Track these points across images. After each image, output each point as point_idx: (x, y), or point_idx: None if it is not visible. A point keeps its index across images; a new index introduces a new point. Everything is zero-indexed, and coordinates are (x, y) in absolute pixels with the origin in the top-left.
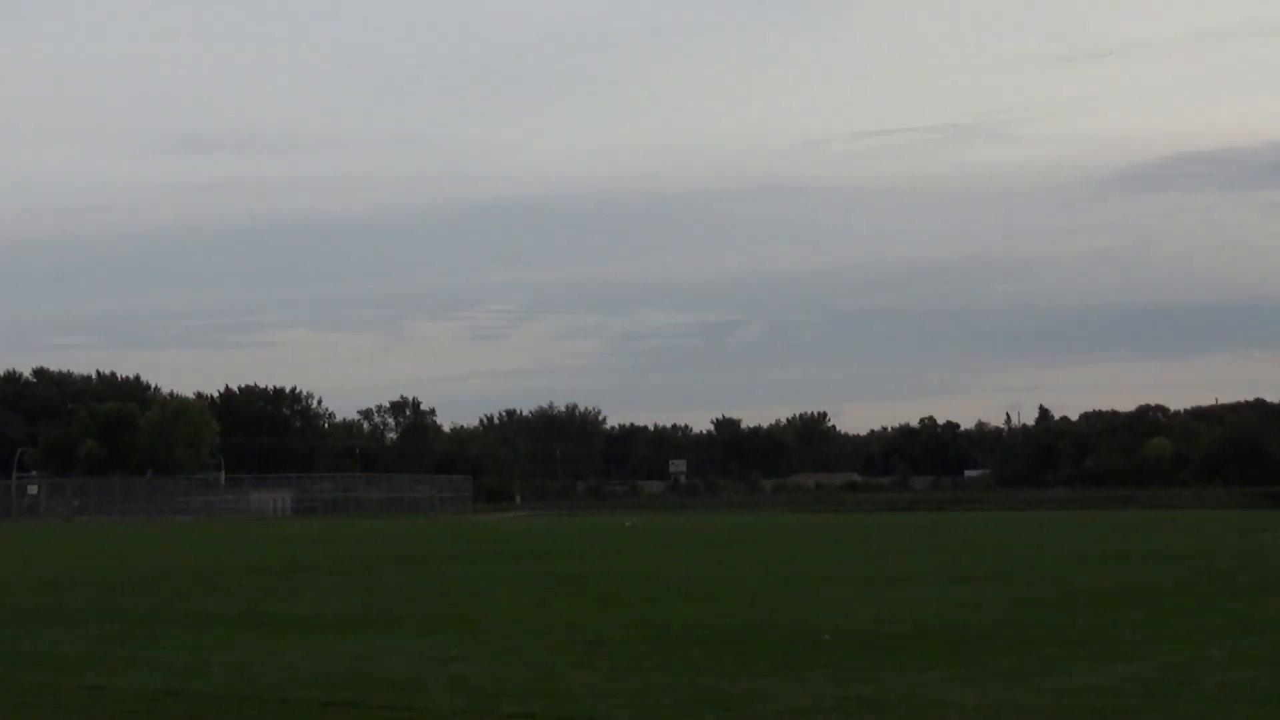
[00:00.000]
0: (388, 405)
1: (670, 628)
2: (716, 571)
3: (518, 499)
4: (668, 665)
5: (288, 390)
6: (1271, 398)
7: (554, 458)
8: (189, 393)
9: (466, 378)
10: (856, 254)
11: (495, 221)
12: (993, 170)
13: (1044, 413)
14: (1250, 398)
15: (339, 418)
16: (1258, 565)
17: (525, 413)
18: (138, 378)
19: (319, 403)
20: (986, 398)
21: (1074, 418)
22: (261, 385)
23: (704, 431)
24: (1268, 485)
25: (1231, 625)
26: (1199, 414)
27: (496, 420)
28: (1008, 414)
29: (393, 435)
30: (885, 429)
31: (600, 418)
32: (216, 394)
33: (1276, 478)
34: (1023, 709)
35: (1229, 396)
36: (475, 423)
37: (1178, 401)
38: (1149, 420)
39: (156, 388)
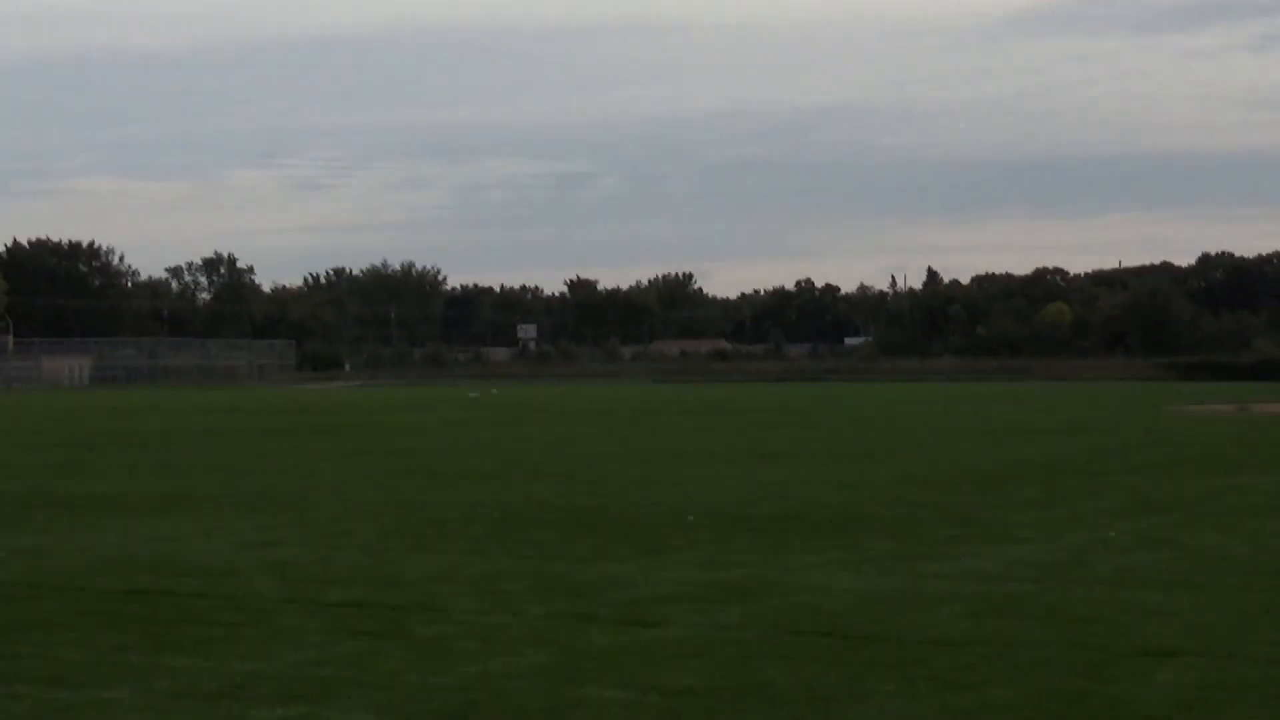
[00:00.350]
0: (199, 262)
1: (517, 508)
2: (569, 447)
3: (347, 367)
4: (514, 549)
5: (85, 244)
6: (1179, 260)
7: (388, 322)
8: None
9: (289, 232)
10: (727, 99)
11: (323, 57)
12: (881, 8)
13: (932, 275)
14: (1156, 260)
15: (144, 276)
16: (1161, 440)
17: (355, 272)
18: None
19: (121, 259)
20: (870, 259)
21: (965, 281)
22: (54, 239)
23: (556, 294)
24: (1173, 355)
25: (1132, 505)
26: (1100, 278)
27: (323, 280)
28: (893, 277)
29: (205, 296)
30: (757, 292)
31: (440, 278)
32: (2, 248)
33: (1183, 347)
34: (904, 595)
35: (1133, 260)
36: (299, 283)
37: (1078, 264)
38: (1046, 285)
39: None
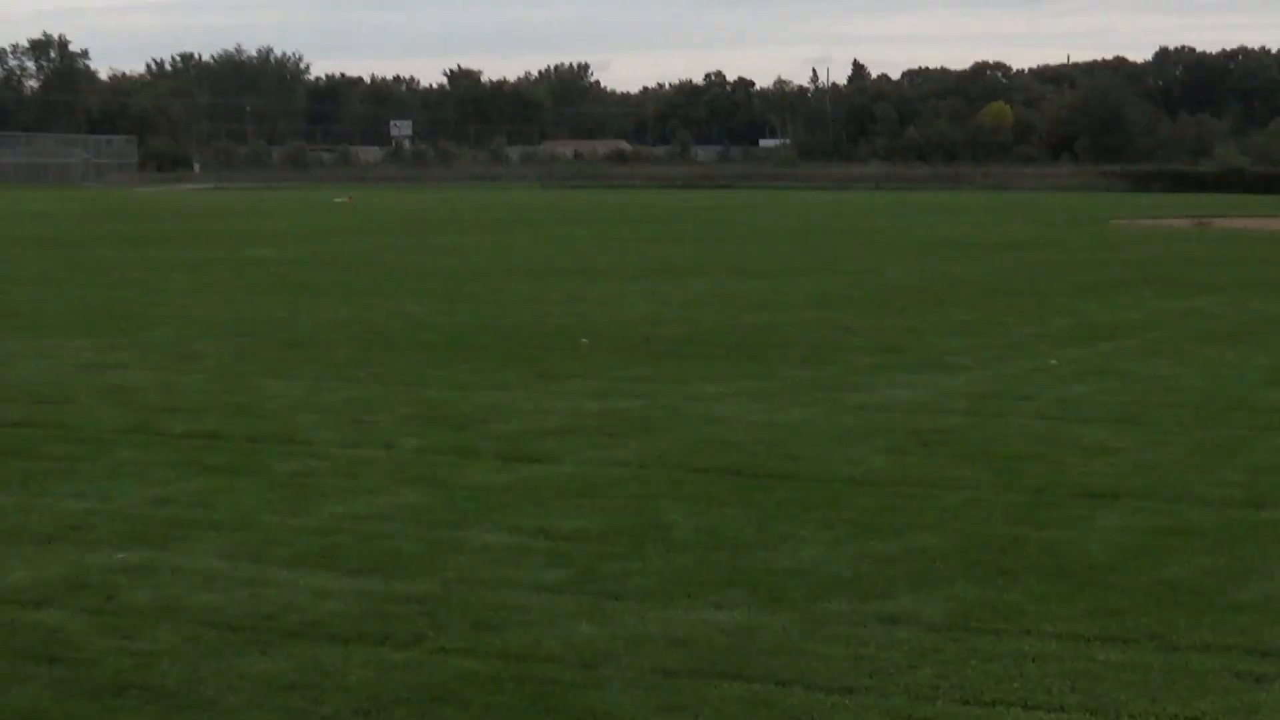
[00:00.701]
0: (25, 45)
1: (388, 328)
2: (448, 259)
3: (197, 168)
4: (385, 373)
5: None
6: (1133, 55)
7: (243, 116)
8: None
9: (128, 11)
10: None
11: None
12: None
13: (858, 69)
14: (1108, 55)
15: None
16: (1110, 258)
17: (206, 58)
18: None
19: None
20: (788, 50)
21: (895, 77)
22: None
23: (434, 86)
24: (1126, 162)
25: (1076, 330)
26: (1046, 75)
27: (169, 67)
28: (814, 70)
29: (33, 84)
30: (661, 86)
31: (303, 66)
32: None
33: (1137, 154)
34: (821, 428)
35: (1083, 54)
36: (141, 70)
37: (1021, 59)
38: (986, 82)
39: None
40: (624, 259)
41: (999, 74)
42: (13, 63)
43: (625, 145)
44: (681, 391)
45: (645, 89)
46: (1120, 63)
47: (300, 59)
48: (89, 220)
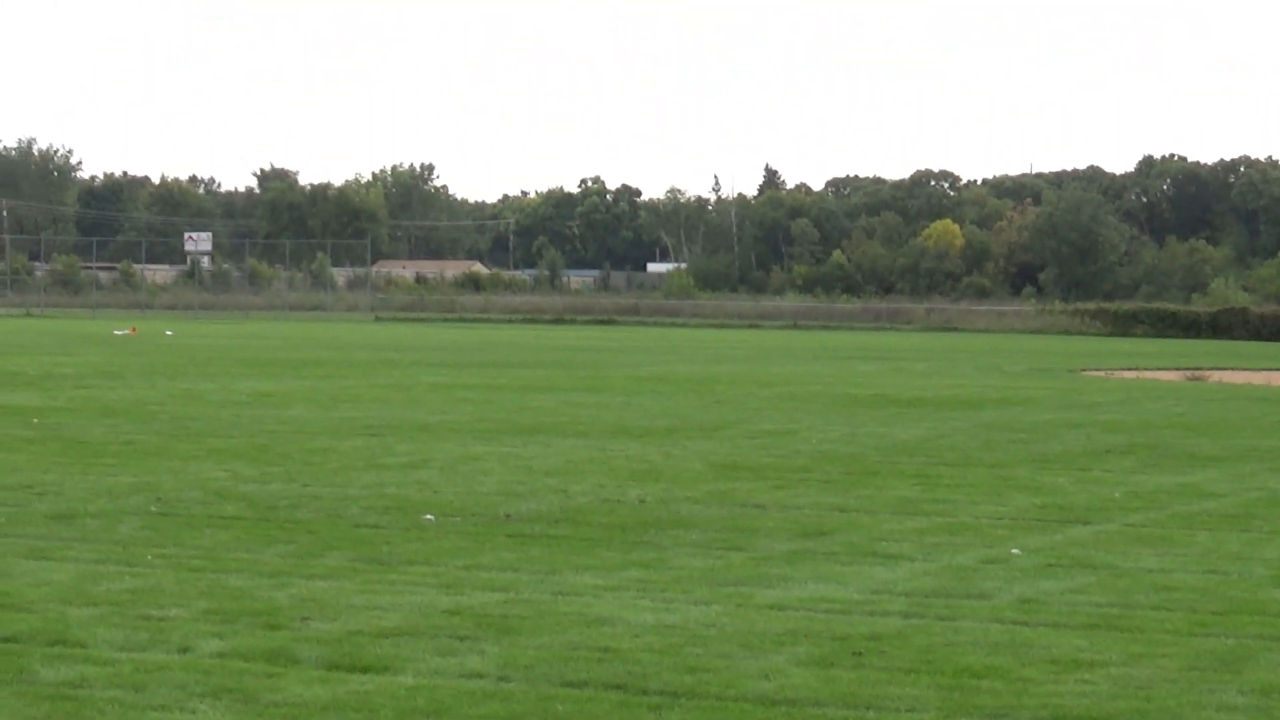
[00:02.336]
0: None
1: (183, 498)
2: (260, 411)
3: None
4: (178, 556)
5: None
6: (1111, 165)
7: None
8: None
9: None
10: None
11: None
12: None
13: (771, 177)
14: (1080, 164)
15: None
16: (1084, 421)
17: None
18: None
19: None
20: (684, 152)
21: (817, 186)
22: None
23: (240, 189)
24: (1103, 299)
25: (1043, 511)
26: (1004, 187)
27: None
28: (716, 178)
29: None
30: (526, 194)
31: (74, 162)
32: None
33: (1116, 288)
34: (728, 633)
35: (1049, 163)
36: None
37: (973, 168)
38: (929, 194)
39: None
40: (478, 414)
41: (945, 185)
42: None
43: (480, 268)
44: (551, 584)
45: (505, 197)
46: (1095, 174)
47: (70, 153)
48: None
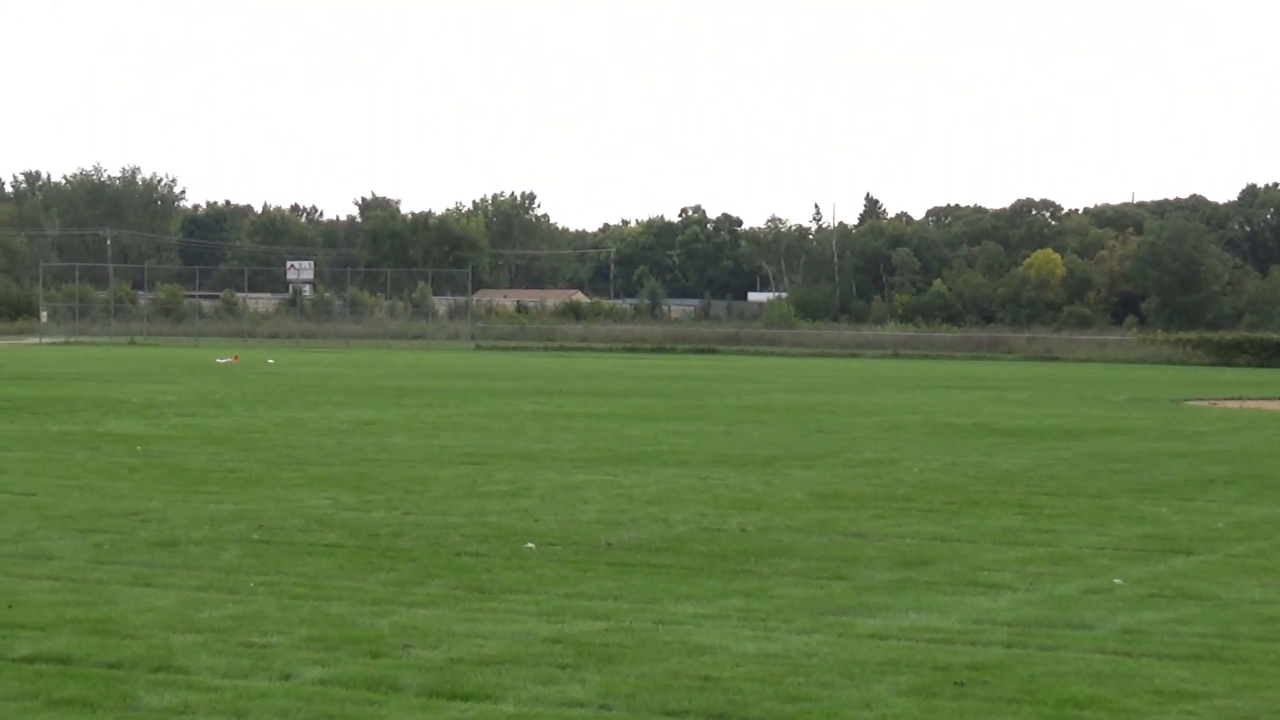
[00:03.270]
0: None
1: (285, 525)
2: (359, 440)
3: (44, 316)
4: (280, 583)
5: None
6: (1214, 194)
7: (102, 251)
8: None
9: None
10: None
11: None
12: None
13: (872, 206)
14: (1183, 193)
15: None
16: (1187, 451)
17: (56, 178)
18: None
19: None
20: (785, 181)
21: (918, 215)
22: None
23: (342, 218)
24: (1205, 328)
25: (1146, 541)
26: (1105, 217)
27: (9, 188)
28: (817, 207)
29: None
30: (626, 223)
31: (177, 190)
32: None
33: (1220, 317)
34: (828, 661)
35: (1151, 192)
36: None
37: (1074, 197)
38: (1030, 224)
39: None
40: (579, 442)
41: (1046, 214)
42: None
43: (581, 297)
44: (652, 612)
45: (606, 226)
46: (1197, 203)
47: (174, 183)
48: None
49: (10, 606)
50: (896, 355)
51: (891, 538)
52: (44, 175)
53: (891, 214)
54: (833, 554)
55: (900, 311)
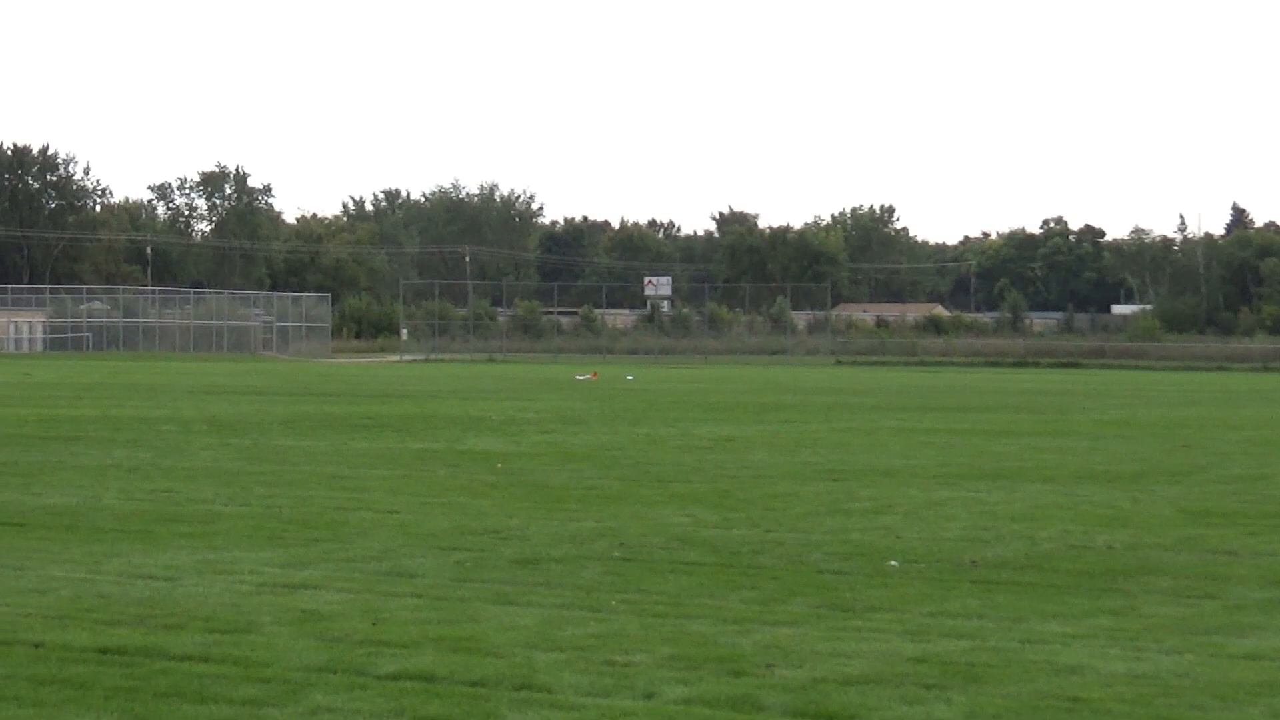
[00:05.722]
0: (195, 179)
1: (645, 543)
2: (719, 457)
3: (404, 333)
4: (641, 601)
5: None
6: None
7: (461, 269)
8: None
9: (319, 136)
10: None
11: None
12: None
13: (1239, 215)
14: None
15: (118, 196)
16: None
17: (415, 196)
18: None
19: (87, 171)
20: (1148, 191)
21: None
22: None
23: (700, 233)
24: None
25: None
26: None
27: (369, 206)
28: (1181, 217)
29: (204, 228)
30: (986, 236)
31: (535, 207)
32: None
33: None
34: (1200, 683)
35: None
36: (335, 210)
37: None
38: None
39: None
40: (942, 458)
41: None
42: (179, 200)
43: (941, 310)
44: (1018, 631)
45: (966, 239)
46: None
47: (532, 199)
48: (272, 399)
49: (375, 624)
50: (1266, 369)
51: (1264, 556)
52: (404, 193)
53: (1259, 223)
54: (1203, 572)
55: (1269, 324)
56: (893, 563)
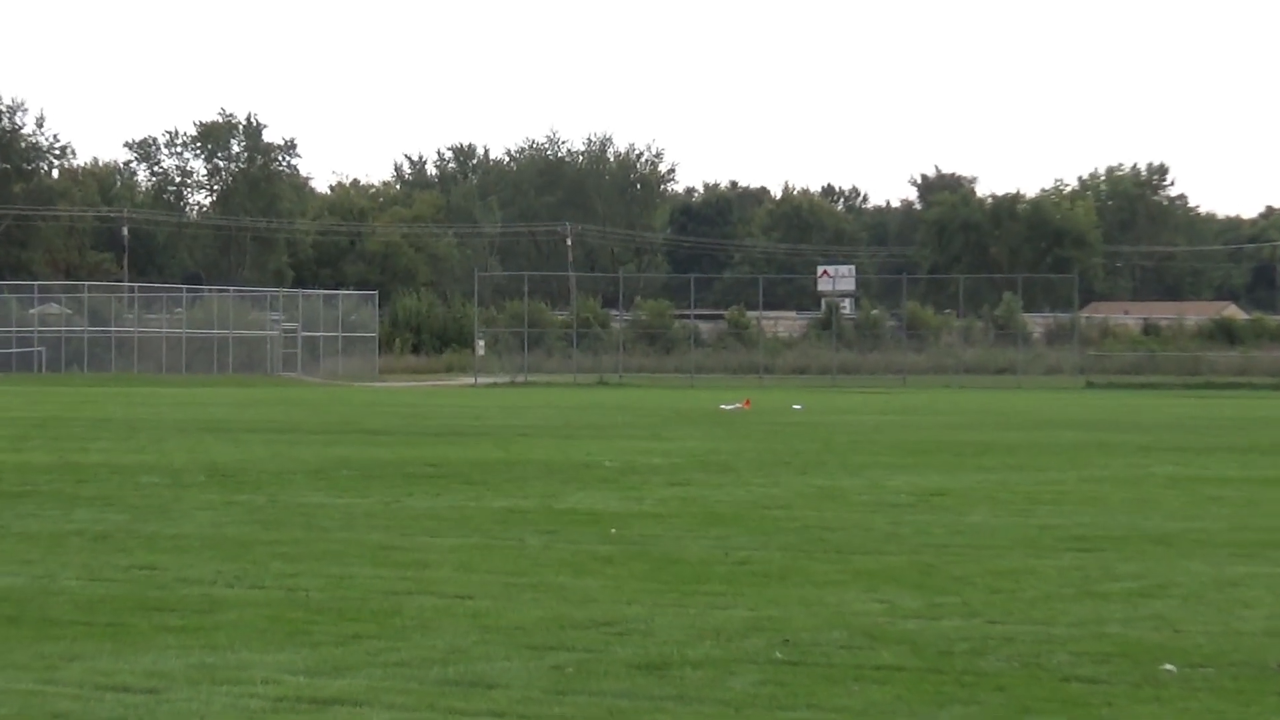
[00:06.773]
0: (191, 132)
1: (820, 637)
2: (927, 515)
3: (480, 346)
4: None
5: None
6: None
7: (561, 254)
8: None
9: (339, 77)
10: None
11: None
12: None
13: None
14: None
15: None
16: None
17: (496, 153)
18: None
19: (40, 124)
20: None
21: None
22: None
23: (894, 204)
24: None
25: None
26: None
27: (430, 169)
28: None
29: (203, 199)
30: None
31: (664, 170)
32: None
33: None
34: None
35: None
36: (384, 175)
37: None
38: None
39: None
40: (1238, 519)
41: None
42: (168, 162)
43: (1235, 311)
44: None
45: (1269, 211)
46: None
47: (660, 157)
48: (296, 438)
49: None
50: None
51: None
52: (480, 151)
53: None
54: None
55: None
56: (1168, 667)
